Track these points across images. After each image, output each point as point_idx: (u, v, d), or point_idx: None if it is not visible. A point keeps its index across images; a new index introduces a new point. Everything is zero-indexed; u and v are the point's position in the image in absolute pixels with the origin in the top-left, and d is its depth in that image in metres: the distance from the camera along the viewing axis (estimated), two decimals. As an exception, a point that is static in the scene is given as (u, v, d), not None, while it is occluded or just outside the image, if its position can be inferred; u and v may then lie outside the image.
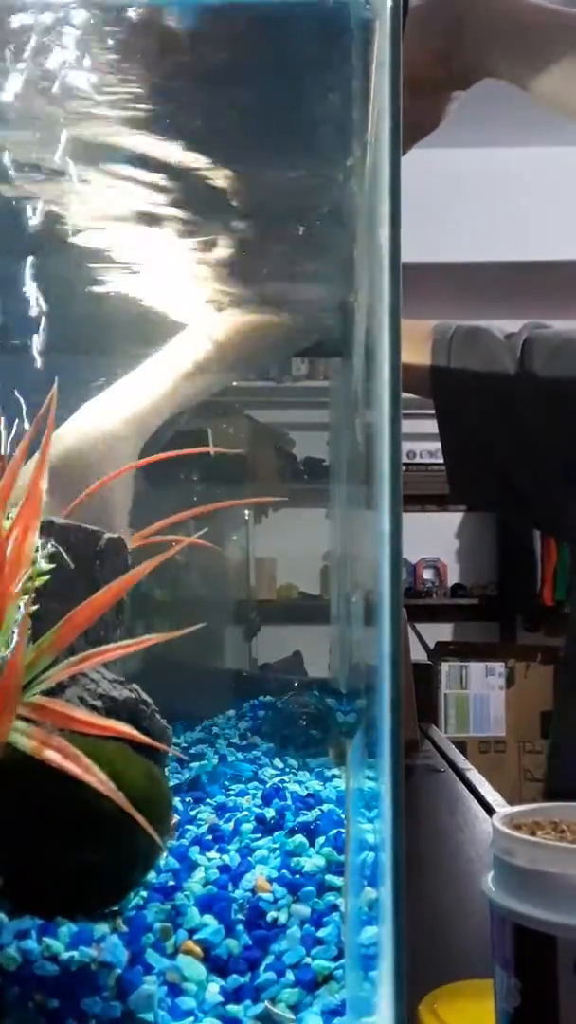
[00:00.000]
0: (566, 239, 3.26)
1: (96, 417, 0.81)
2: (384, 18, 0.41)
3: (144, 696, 0.57)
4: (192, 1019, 0.40)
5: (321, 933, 0.46)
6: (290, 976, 0.43)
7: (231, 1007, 0.41)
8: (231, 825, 0.60)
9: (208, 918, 0.46)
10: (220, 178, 0.68)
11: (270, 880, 0.50)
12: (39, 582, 0.51)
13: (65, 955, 0.41)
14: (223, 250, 0.81)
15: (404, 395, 0.39)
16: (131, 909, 0.47)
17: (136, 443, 0.84)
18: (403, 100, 0.40)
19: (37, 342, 0.73)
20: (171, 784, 0.66)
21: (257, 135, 0.63)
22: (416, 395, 0.98)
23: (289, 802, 0.65)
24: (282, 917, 0.48)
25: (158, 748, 0.50)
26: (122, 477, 0.75)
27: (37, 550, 0.51)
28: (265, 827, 0.60)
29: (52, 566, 0.53)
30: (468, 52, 0.79)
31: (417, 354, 0.99)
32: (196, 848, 0.56)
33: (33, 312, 0.72)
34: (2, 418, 0.56)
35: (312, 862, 0.52)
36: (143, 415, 0.84)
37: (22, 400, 0.56)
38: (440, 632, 3.97)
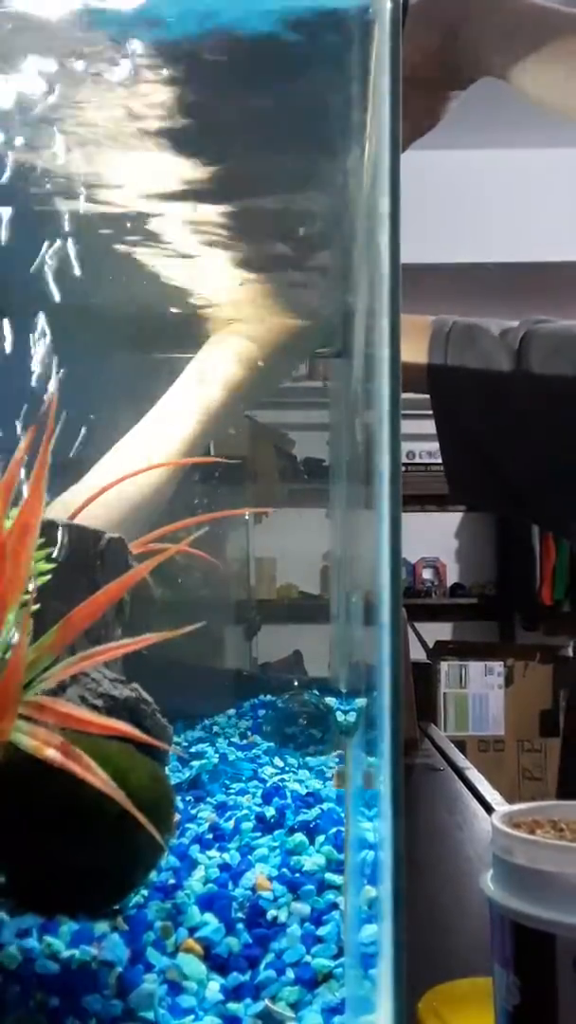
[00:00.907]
0: (566, 239, 3.26)
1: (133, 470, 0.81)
2: (384, 17, 0.41)
3: (144, 695, 0.57)
4: (192, 1017, 0.40)
5: (321, 931, 0.46)
6: (290, 974, 0.43)
7: (231, 1005, 0.41)
8: (231, 824, 0.61)
9: (208, 916, 0.47)
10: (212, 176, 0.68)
11: (270, 878, 0.50)
12: (39, 582, 0.51)
13: (66, 953, 0.41)
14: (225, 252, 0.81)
15: (404, 395, 0.39)
16: (132, 907, 0.47)
17: (172, 487, 0.85)
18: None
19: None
20: (172, 783, 0.66)
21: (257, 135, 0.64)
22: (412, 392, 0.98)
23: (289, 801, 0.65)
24: (282, 915, 0.48)
25: (159, 747, 0.50)
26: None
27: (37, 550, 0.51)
28: (265, 826, 0.60)
29: (52, 566, 0.53)
30: (465, 51, 0.79)
31: (414, 349, 0.99)
32: (196, 846, 0.56)
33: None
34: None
35: (312, 860, 0.53)
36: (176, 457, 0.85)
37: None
38: (439, 631, 3.97)
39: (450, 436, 1.01)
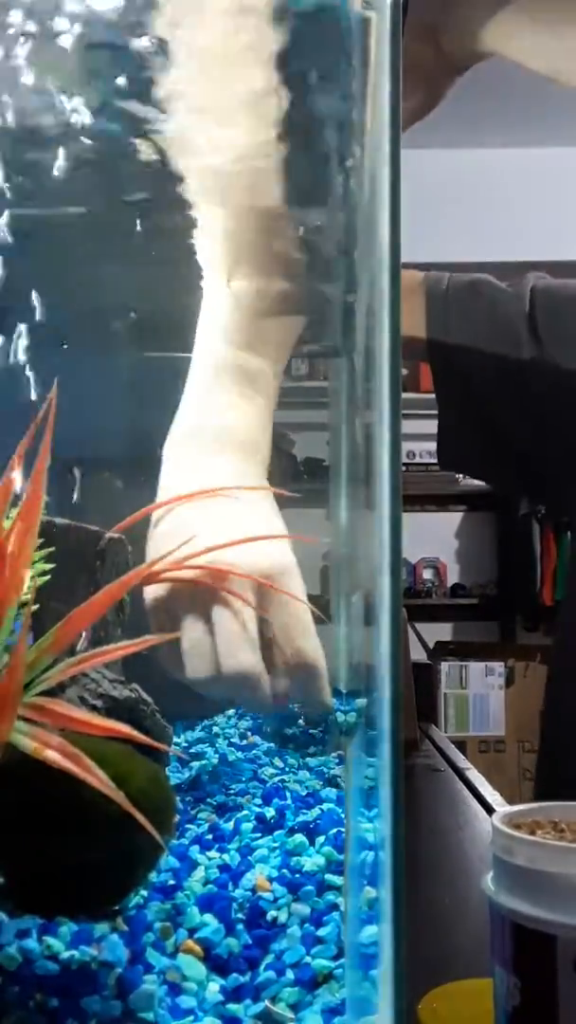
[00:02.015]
0: (564, 239, 3.26)
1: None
2: (384, 14, 0.41)
3: (144, 696, 0.57)
4: (192, 1018, 0.40)
5: (321, 932, 0.46)
6: (290, 975, 0.43)
7: (231, 1006, 0.41)
8: (231, 824, 0.60)
9: (208, 917, 0.47)
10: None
11: (270, 879, 0.50)
12: (39, 582, 0.51)
13: (65, 954, 0.41)
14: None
15: (405, 395, 0.39)
16: (131, 908, 0.47)
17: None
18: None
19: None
20: (172, 784, 0.66)
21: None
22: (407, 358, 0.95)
23: (289, 801, 0.65)
24: (282, 916, 0.48)
25: (158, 748, 0.50)
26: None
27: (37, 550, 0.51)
28: (265, 826, 0.60)
29: (52, 566, 0.53)
30: (458, 28, 0.77)
31: (406, 310, 0.95)
32: (196, 847, 0.56)
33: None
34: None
35: (312, 861, 0.52)
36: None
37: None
38: (440, 632, 3.97)
39: (450, 399, 0.97)
